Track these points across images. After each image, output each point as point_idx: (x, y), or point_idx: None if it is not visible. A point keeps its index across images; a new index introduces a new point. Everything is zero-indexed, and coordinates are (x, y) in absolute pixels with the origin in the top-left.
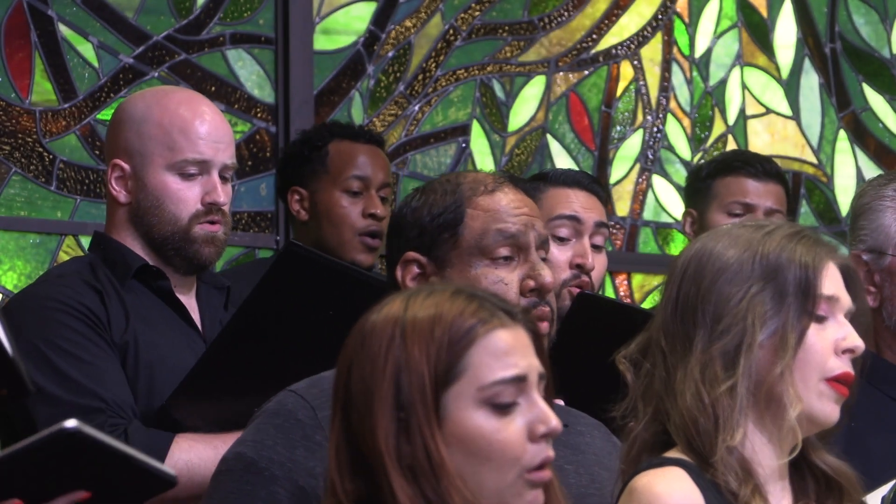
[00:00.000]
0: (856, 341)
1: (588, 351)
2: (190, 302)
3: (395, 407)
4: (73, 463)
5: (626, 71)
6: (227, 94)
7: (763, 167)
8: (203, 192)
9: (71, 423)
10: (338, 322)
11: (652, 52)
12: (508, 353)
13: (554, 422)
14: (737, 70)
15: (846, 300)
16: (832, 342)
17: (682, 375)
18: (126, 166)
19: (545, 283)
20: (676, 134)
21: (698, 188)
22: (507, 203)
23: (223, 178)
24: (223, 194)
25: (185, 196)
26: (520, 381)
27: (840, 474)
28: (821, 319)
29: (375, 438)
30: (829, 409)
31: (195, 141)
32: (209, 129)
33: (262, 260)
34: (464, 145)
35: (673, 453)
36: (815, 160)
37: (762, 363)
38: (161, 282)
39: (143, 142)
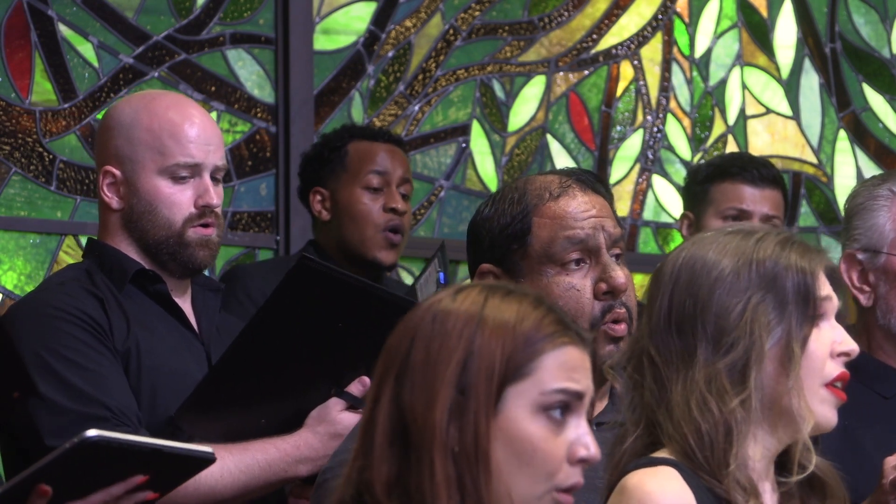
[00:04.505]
0: (851, 345)
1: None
2: (186, 305)
3: (455, 387)
4: (107, 463)
5: (626, 71)
6: (227, 94)
7: (760, 173)
8: (195, 194)
9: (92, 432)
10: (347, 335)
11: (652, 52)
12: (576, 369)
13: (594, 450)
14: (737, 70)
15: (836, 301)
16: (828, 345)
17: (681, 388)
18: (117, 172)
19: (618, 284)
20: (676, 134)
21: (695, 192)
22: (574, 208)
23: (214, 180)
24: (216, 196)
25: (178, 200)
26: (578, 398)
27: (826, 474)
28: (819, 323)
29: (432, 413)
30: (829, 415)
31: (185, 144)
32: (199, 132)
33: (277, 260)
34: (464, 145)
35: (661, 454)
36: (815, 160)
37: (768, 374)
38: (158, 286)
39: (133, 147)
